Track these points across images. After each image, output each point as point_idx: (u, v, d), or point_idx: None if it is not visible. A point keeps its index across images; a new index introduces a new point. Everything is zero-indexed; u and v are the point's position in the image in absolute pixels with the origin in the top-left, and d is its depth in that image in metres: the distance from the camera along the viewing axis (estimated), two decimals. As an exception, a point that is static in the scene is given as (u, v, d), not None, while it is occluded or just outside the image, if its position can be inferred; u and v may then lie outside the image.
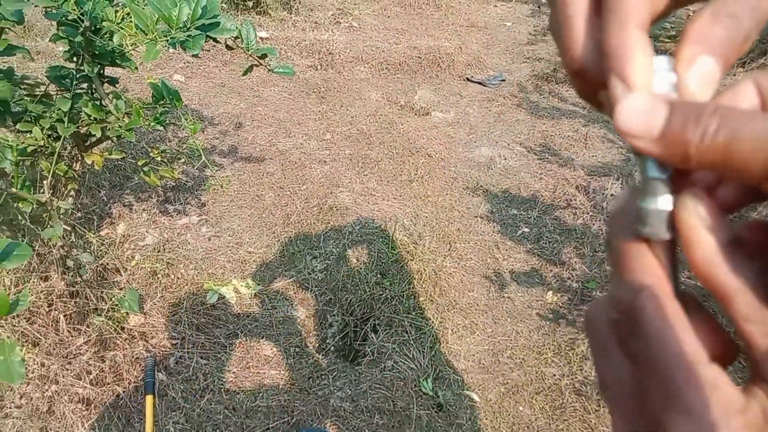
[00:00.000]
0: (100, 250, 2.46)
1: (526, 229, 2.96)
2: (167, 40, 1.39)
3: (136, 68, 1.68)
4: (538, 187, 3.24)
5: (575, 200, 3.10)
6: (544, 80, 4.40)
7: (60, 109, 1.62)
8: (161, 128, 1.71)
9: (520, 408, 2.11)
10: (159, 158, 2.09)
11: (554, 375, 2.21)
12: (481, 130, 3.76)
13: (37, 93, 1.74)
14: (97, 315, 2.14)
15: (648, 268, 0.24)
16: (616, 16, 0.23)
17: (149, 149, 2.76)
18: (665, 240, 0.24)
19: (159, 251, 2.63)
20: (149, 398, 1.90)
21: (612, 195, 3.09)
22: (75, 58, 1.61)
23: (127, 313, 2.25)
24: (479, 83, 4.36)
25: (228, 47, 1.76)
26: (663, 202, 0.24)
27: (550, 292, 2.57)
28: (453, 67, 4.54)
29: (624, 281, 0.25)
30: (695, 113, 0.21)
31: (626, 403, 0.24)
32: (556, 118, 3.89)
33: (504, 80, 4.40)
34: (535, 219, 3.01)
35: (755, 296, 0.22)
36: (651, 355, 0.23)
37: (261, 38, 4.62)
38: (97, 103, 1.72)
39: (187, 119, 1.78)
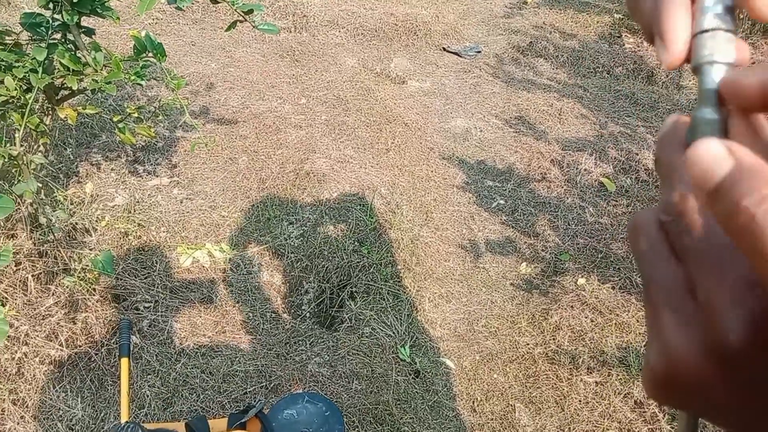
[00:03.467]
0: (69, 210, 2.38)
1: (502, 201, 2.98)
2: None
3: (118, 18, 1.60)
4: (513, 160, 3.26)
5: (550, 174, 3.13)
6: (520, 53, 4.40)
7: (34, 58, 1.53)
8: (142, 83, 1.64)
9: (495, 375, 2.15)
10: (136, 115, 2.01)
11: (527, 344, 2.26)
12: (457, 101, 3.75)
13: (8, 42, 1.65)
14: (68, 275, 2.07)
15: None
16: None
17: (125, 106, 2.65)
18: (721, 127, 0.26)
19: (130, 212, 2.56)
20: (124, 361, 1.85)
21: (586, 169, 3.13)
22: (52, 5, 1.52)
23: (99, 274, 2.19)
24: (455, 53, 4.33)
25: (213, 0, 1.69)
26: (713, 112, 0.27)
27: (524, 263, 2.61)
28: (429, 36, 4.49)
29: (676, 187, 0.26)
30: (751, 184, 0.21)
31: (674, 295, 0.25)
32: (531, 92, 3.90)
33: (480, 52, 4.38)
34: (510, 191, 3.04)
35: None
36: (701, 247, 0.24)
37: (233, -4, 4.46)
38: (74, 54, 1.63)
39: (169, 75, 1.71)
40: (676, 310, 0.25)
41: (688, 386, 0.26)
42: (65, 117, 1.81)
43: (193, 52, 3.88)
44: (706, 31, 0.27)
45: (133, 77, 1.70)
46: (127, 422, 1.82)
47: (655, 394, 0.28)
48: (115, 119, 2.11)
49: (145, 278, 2.32)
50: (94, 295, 2.14)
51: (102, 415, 1.85)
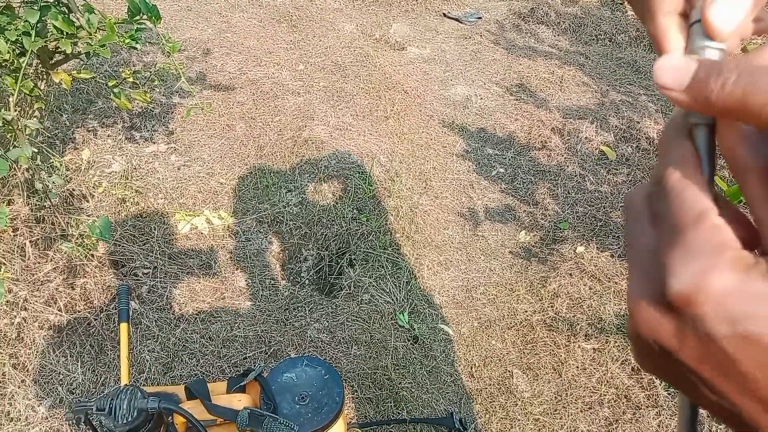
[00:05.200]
0: (66, 176, 2.36)
1: (501, 169, 2.96)
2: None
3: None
4: (514, 128, 3.23)
5: (550, 142, 3.11)
6: (521, 19, 4.33)
7: (27, 20, 1.49)
8: (137, 47, 1.61)
9: (493, 342, 2.16)
10: (131, 80, 1.98)
11: (526, 311, 2.27)
12: (458, 68, 3.70)
13: (-1, 2, 1.61)
14: (66, 241, 2.06)
15: (682, 151, 0.28)
16: (649, 13, 0.33)
17: (121, 72, 2.60)
18: (708, 125, 0.28)
19: (127, 179, 2.54)
20: (124, 326, 1.86)
21: (586, 138, 3.11)
22: (43, -37, 1.48)
23: (97, 240, 2.18)
24: (456, 20, 4.26)
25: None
26: None
27: (523, 231, 2.61)
28: (429, 2, 4.41)
29: (661, 162, 0.29)
30: (717, 67, 0.25)
31: (644, 258, 0.28)
32: (532, 59, 3.85)
33: (481, 18, 4.30)
34: (510, 159, 3.02)
35: None
36: (670, 210, 0.27)
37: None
38: (67, 16, 1.59)
39: (164, 39, 1.68)
40: (641, 266, 0.28)
41: (648, 343, 0.27)
42: (60, 81, 1.78)
43: (189, 17, 3.81)
44: (697, 21, 0.29)
45: (127, 41, 1.66)
46: (126, 385, 1.83)
47: (634, 355, 0.30)
48: (110, 84, 2.08)
49: (144, 244, 2.31)
50: (92, 261, 2.14)
51: (102, 379, 1.86)
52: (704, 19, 0.28)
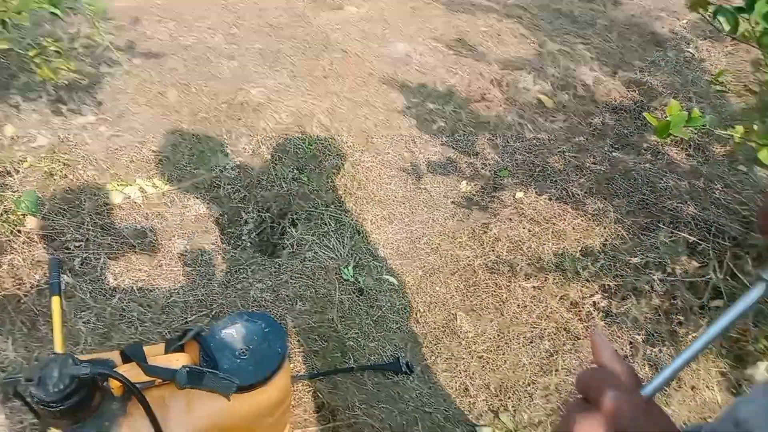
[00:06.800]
0: (-15, 151, 2.25)
1: (442, 123, 2.96)
2: None
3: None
4: (454, 82, 3.23)
5: (489, 93, 3.12)
6: (458, -25, 4.29)
7: None
8: (58, 12, 1.52)
9: (437, 288, 2.18)
10: (53, 48, 1.88)
11: (468, 257, 2.29)
12: (396, 25, 3.66)
13: None
14: (-12, 217, 1.98)
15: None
16: None
17: (41, 41, 2.48)
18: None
19: (54, 152, 2.44)
20: (55, 299, 1.79)
21: (524, 88, 3.12)
22: None
23: (24, 215, 2.10)
24: (393, -22, 4.19)
25: None
26: None
27: (464, 182, 2.62)
28: (366, -39, 4.33)
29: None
30: None
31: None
32: (470, 13, 3.83)
33: (418, -25, 4.25)
34: (450, 113, 3.02)
35: None
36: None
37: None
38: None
39: (88, 2, 1.60)
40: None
41: None
42: (-37, 45, 1.68)
43: (116, -15, 3.65)
44: None
45: (46, 5, 1.57)
46: (55, 353, 1.78)
47: None
48: (31, 54, 1.97)
49: (74, 217, 2.23)
50: (19, 236, 2.06)
51: (36, 354, 1.81)
52: None
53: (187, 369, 1.27)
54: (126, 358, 1.39)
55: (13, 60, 2.81)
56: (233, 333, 1.39)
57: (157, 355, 1.40)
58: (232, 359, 1.34)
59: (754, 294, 0.44)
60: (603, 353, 0.50)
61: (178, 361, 1.35)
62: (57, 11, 1.65)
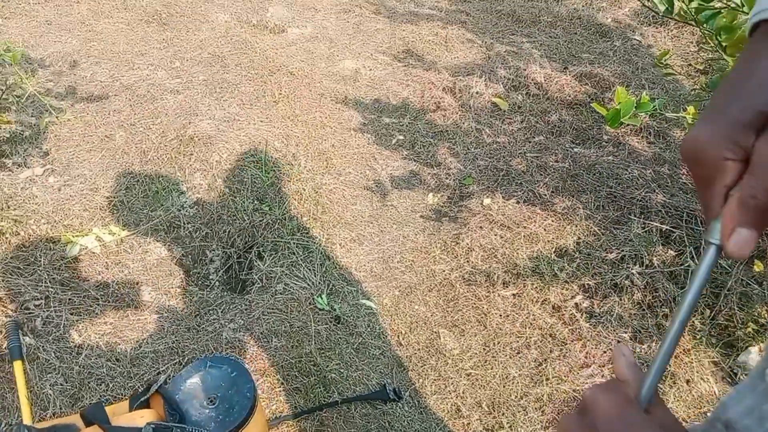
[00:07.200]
0: None
1: (401, 137, 2.93)
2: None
3: None
4: (407, 94, 3.20)
5: (443, 102, 3.10)
6: (398, -13, 4.29)
7: None
8: None
9: (416, 307, 2.13)
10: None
11: (443, 270, 2.24)
12: (342, 43, 3.62)
13: None
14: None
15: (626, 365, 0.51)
16: (710, 182, 0.42)
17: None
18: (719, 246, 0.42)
19: (2, 209, 2.31)
20: (17, 364, 1.68)
21: (477, 92, 3.12)
22: None
23: (-30, 281, 1.97)
24: (334, -5, 4.16)
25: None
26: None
27: (431, 194, 2.59)
28: (304, -19, 4.29)
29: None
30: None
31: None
32: (414, 23, 3.83)
33: (358, -10, 4.23)
34: (407, 125, 2.99)
35: None
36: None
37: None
38: None
39: (3, 50, 1.50)
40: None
41: None
42: None
43: (50, 31, 3.52)
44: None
45: None
46: (11, 424, 1.66)
47: None
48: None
49: (31, 275, 2.11)
50: (-32, 304, 1.92)
51: (2, 426, 1.68)
52: (724, 248, 0.41)
53: (153, 426, 1.20)
54: (88, 421, 1.30)
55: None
56: (198, 381, 1.31)
57: (122, 414, 1.31)
58: (200, 410, 1.26)
59: (707, 260, 0.43)
60: (616, 363, 0.49)
61: (142, 418, 1.27)
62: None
